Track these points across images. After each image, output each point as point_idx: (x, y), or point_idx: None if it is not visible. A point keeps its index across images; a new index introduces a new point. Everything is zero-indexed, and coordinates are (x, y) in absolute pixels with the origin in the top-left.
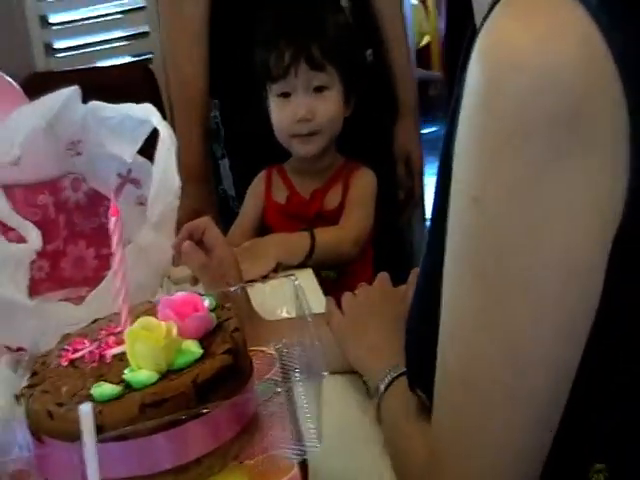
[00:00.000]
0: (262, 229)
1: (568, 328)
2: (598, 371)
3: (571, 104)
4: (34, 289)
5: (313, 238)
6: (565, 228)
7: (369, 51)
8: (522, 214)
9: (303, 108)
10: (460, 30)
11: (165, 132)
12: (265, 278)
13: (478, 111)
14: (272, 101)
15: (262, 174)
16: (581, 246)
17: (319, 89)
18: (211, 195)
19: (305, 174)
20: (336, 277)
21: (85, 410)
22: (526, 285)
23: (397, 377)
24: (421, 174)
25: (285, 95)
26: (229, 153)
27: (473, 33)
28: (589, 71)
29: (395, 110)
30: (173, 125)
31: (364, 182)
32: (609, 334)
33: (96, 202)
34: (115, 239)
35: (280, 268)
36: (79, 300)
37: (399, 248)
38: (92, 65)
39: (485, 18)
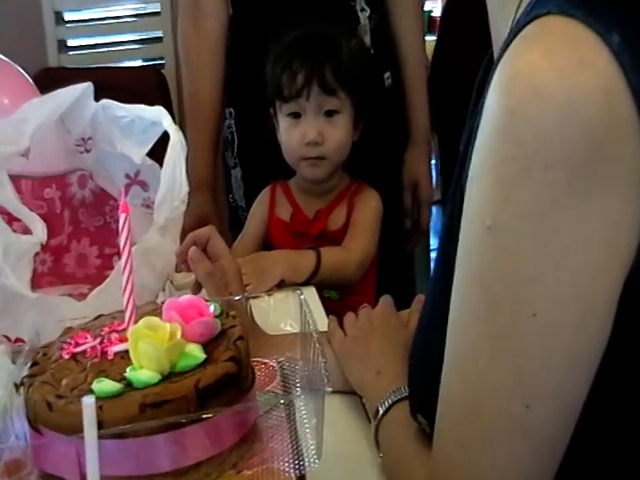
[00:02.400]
0: (265, 245)
1: (577, 361)
2: (605, 406)
3: (591, 138)
4: (36, 282)
5: (319, 257)
6: (579, 262)
7: (387, 74)
8: (536, 244)
9: (313, 131)
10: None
11: (176, 136)
12: (269, 291)
13: (497, 138)
14: (281, 120)
15: (266, 190)
16: (594, 281)
17: (329, 113)
18: (218, 204)
19: (310, 193)
20: (338, 297)
21: (88, 402)
22: (537, 315)
23: (397, 401)
24: (429, 204)
25: (295, 115)
26: (241, 163)
27: (489, 63)
28: (609, 108)
29: (407, 136)
30: (183, 132)
31: (369, 204)
32: (617, 370)
33: (102, 200)
34: (124, 236)
35: (283, 285)
36: (80, 297)
37: (402, 273)
38: (105, 64)
39: (504, 49)
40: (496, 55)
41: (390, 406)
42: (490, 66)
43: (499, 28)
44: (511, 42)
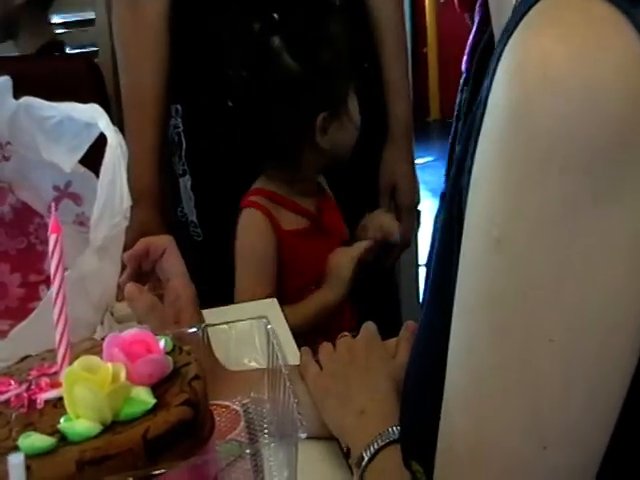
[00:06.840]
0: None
1: (601, 395)
2: (632, 449)
3: (615, 132)
4: None
5: None
6: (602, 278)
7: None
8: (552, 259)
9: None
10: None
11: (115, 139)
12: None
13: (505, 137)
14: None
15: (254, 213)
16: (622, 301)
17: None
18: (163, 219)
19: (307, 193)
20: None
21: (15, 461)
22: (555, 341)
23: (385, 446)
24: (411, 211)
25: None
26: (191, 170)
27: (490, 45)
28: (635, 94)
29: (384, 132)
30: (123, 134)
31: None
32: None
33: (25, 218)
34: (55, 261)
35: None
36: (0, 335)
37: (383, 294)
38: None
39: (510, 31)
40: (497, 36)
41: (377, 452)
42: (490, 49)
43: (501, 4)
44: (518, 22)
